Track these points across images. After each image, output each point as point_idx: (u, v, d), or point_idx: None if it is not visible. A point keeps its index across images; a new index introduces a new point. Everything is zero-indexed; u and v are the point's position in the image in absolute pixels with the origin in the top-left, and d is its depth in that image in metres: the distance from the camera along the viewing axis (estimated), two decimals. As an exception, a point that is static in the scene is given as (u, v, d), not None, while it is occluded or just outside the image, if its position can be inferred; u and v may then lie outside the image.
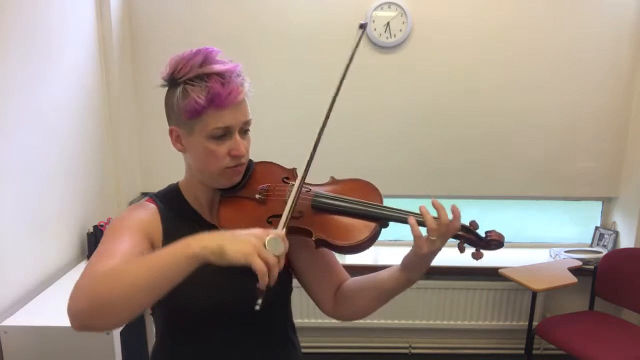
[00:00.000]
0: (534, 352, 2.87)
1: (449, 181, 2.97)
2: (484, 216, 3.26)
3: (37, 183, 2.00)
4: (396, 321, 3.02)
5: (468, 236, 0.99)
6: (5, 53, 1.79)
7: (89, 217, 2.42)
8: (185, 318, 1.03)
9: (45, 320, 1.74)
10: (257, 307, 0.80)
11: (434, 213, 0.97)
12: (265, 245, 0.79)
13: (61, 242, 2.21)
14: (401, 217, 0.98)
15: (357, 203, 1.01)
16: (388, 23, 2.74)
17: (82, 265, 2.29)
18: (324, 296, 1.13)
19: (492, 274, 2.72)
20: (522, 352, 2.89)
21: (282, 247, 0.81)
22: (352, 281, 1.12)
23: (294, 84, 2.84)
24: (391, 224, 1.01)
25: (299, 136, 2.77)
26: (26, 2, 1.91)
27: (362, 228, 0.99)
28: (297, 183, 0.96)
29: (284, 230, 0.87)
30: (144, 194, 2.87)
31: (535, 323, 2.74)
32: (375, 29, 2.74)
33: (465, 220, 1.01)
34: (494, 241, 0.99)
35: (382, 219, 1.00)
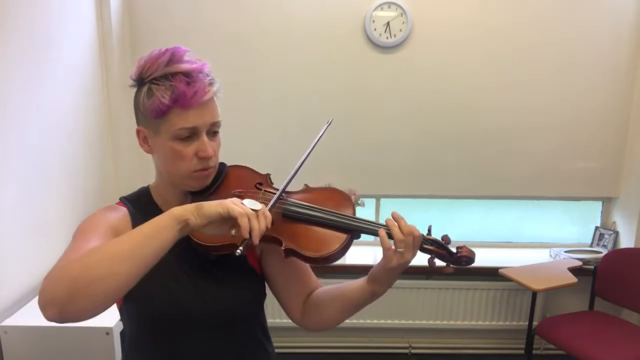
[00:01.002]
0: (534, 352, 2.87)
1: (448, 181, 2.97)
2: (484, 216, 3.29)
3: (37, 183, 2.00)
4: (396, 321, 3.02)
5: (439, 251, 0.97)
6: (5, 53, 1.79)
7: (89, 217, 2.42)
8: (151, 323, 1.01)
9: (45, 320, 1.74)
10: (238, 252, 0.82)
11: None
12: (242, 201, 0.85)
13: (61, 242, 2.21)
14: (371, 229, 0.97)
15: (328, 213, 0.99)
16: (388, 23, 2.73)
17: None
18: (292, 304, 1.11)
19: (492, 274, 2.72)
20: (522, 352, 2.89)
21: (260, 205, 0.86)
22: (321, 291, 1.10)
23: (293, 84, 2.84)
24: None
25: (299, 137, 2.78)
26: (26, 3, 1.91)
27: (332, 239, 0.97)
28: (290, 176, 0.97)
29: (270, 208, 0.90)
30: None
31: (535, 323, 2.74)
32: (375, 29, 2.74)
33: (437, 235, 0.99)
34: (465, 257, 0.97)
35: (353, 231, 0.98)
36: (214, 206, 0.82)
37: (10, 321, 1.75)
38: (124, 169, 2.73)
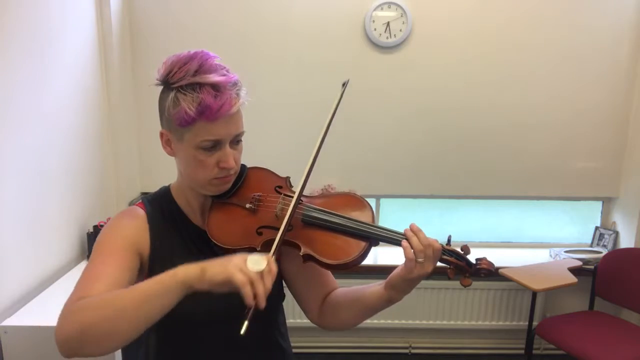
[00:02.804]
0: (534, 352, 2.88)
1: (448, 181, 2.97)
2: (484, 216, 3.29)
3: (37, 183, 2.00)
4: (396, 321, 3.02)
5: (458, 262, 0.97)
6: (6, 53, 1.78)
7: (89, 217, 2.42)
8: (167, 326, 1.00)
9: (45, 320, 1.74)
10: (242, 331, 0.78)
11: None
12: (246, 263, 0.81)
13: (61, 242, 2.21)
14: (393, 239, 0.97)
15: (348, 220, 0.99)
16: (388, 23, 2.74)
17: (82, 266, 2.29)
18: (310, 305, 1.12)
19: (492, 274, 2.72)
20: (522, 352, 2.90)
21: (263, 263, 0.81)
22: (339, 292, 1.11)
23: (294, 84, 2.84)
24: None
25: (299, 137, 2.78)
26: (26, 2, 1.91)
27: (351, 246, 0.97)
28: (289, 211, 0.95)
29: (273, 255, 0.86)
30: (144, 194, 2.88)
31: (535, 323, 2.74)
32: (375, 29, 2.74)
33: (456, 246, 0.99)
34: (484, 270, 0.97)
35: (372, 239, 0.98)
36: (217, 274, 0.80)
37: (10, 321, 1.75)
38: (124, 169, 2.73)
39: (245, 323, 0.79)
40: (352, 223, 0.99)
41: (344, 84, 1.09)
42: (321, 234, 0.99)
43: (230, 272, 0.79)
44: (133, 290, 0.82)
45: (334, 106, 1.05)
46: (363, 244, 0.97)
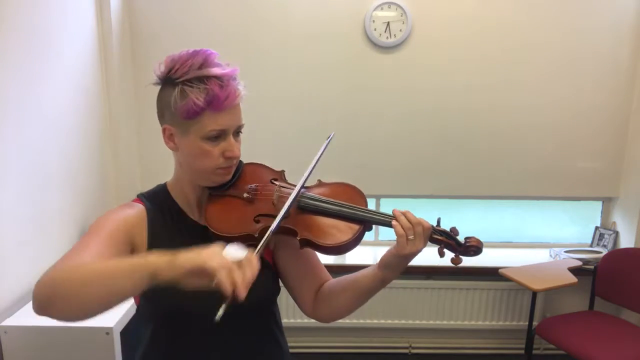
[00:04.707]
0: (534, 352, 2.87)
1: (448, 181, 2.97)
2: (484, 216, 3.28)
3: (37, 183, 2.00)
4: (396, 321, 3.02)
5: (448, 241, 1.03)
6: (5, 53, 1.79)
7: (89, 216, 2.42)
8: (166, 319, 1.04)
9: (45, 320, 1.72)
10: (217, 318, 0.74)
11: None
12: (223, 251, 0.78)
13: (61, 242, 2.21)
14: (384, 220, 1.02)
15: (342, 205, 1.04)
16: (388, 23, 2.74)
17: (82, 265, 2.29)
18: (304, 296, 1.14)
19: (492, 274, 2.72)
20: (522, 352, 2.90)
21: (242, 253, 0.78)
22: (332, 282, 1.14)
23: (293, 84, 2.84)
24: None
25: (298, 135, 2.78)
26: (26, 2, 1.91)
27: (346, 230, 1.02)
28: (290, 197, 0.99)
29: (258, 252, 0.83)
30: (144, 194, 2.88)
31: (535, 323, 2.74)
32: (375, 29, 2.74)
33: (446, 227, 1.05)
34: (473, 247, 1.02)
35: (366, 222, 1.03)
36: (188, 260, 0.76)
37: (10, 321, 1.75)
38: (124, 168, 2.73)
39: (221, 309, 0.74)
40: (346, 207, 1.04)
41: (328, 137, 1.17)
42: (317, 219, 1.04)
43: (203, 259, 0.75)
44: (104, 263, 0.84)
45: (318, 155, 1.10)
46: (357, 227, 1.02)
